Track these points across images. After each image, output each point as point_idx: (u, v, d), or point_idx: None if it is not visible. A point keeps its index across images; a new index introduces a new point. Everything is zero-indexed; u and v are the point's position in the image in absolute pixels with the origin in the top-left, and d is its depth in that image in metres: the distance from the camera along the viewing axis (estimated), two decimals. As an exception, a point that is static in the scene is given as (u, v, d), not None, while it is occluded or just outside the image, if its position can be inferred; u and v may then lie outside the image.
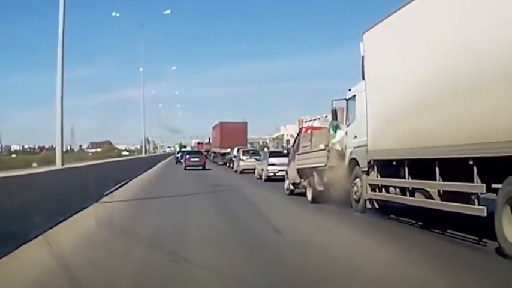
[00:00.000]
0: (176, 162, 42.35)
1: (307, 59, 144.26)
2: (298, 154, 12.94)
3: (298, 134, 14.49)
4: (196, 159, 32.01)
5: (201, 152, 37.32)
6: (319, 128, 12.93)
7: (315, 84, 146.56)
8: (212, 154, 46.83)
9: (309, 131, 13.19)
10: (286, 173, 14.63)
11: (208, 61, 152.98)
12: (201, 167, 30.80)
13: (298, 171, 12.92)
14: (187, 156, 33.00)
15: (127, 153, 74.40)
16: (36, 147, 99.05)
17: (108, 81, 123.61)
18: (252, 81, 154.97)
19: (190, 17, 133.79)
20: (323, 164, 11.01)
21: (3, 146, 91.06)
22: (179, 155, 43.35)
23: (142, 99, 46.26)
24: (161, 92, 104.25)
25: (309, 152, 12.15)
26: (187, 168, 30.78)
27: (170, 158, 63.41)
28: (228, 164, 34.29)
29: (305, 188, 12.56)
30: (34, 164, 47.34)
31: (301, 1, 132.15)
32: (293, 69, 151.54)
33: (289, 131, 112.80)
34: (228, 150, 35.83)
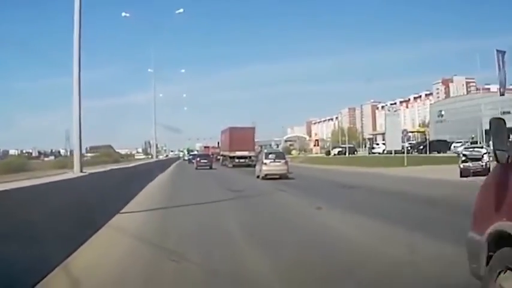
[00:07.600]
0: (189, 163, 54.98)
1: (314, 60, 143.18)
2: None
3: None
4: (205, 160, 40.89)
5: (209, 155, 47.27)
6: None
7: (323, 86, 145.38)
8: (221, 157, 47.73)
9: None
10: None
11: (214, 64, 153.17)
12: (208, 167, 38.77)
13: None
14: (198, 159, 42.14)
15: (121, 158, 69.59)
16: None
17: (112, 85, 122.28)
18: (256, 84, 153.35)
19: (200, 19, 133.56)
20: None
21: (1, 150, 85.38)
22: (191, 157, 57.83)
23: (153, 102, 43.94)
24: (169, 95, 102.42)
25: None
26: (198, 168, 38.42)
27: (177, 163, 59.77)
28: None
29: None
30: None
31: (309, 2, 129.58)
32: (300, 72, 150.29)
33: (297, 133, 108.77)
34: (238, 153, 40.61)
